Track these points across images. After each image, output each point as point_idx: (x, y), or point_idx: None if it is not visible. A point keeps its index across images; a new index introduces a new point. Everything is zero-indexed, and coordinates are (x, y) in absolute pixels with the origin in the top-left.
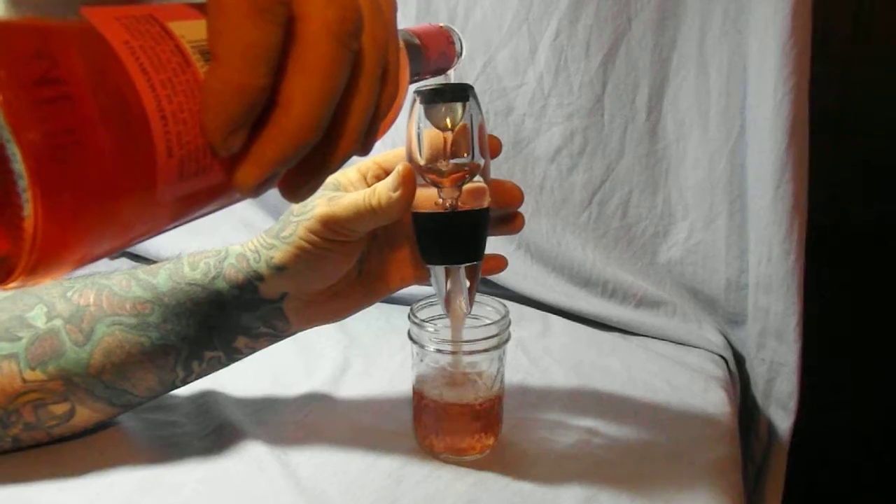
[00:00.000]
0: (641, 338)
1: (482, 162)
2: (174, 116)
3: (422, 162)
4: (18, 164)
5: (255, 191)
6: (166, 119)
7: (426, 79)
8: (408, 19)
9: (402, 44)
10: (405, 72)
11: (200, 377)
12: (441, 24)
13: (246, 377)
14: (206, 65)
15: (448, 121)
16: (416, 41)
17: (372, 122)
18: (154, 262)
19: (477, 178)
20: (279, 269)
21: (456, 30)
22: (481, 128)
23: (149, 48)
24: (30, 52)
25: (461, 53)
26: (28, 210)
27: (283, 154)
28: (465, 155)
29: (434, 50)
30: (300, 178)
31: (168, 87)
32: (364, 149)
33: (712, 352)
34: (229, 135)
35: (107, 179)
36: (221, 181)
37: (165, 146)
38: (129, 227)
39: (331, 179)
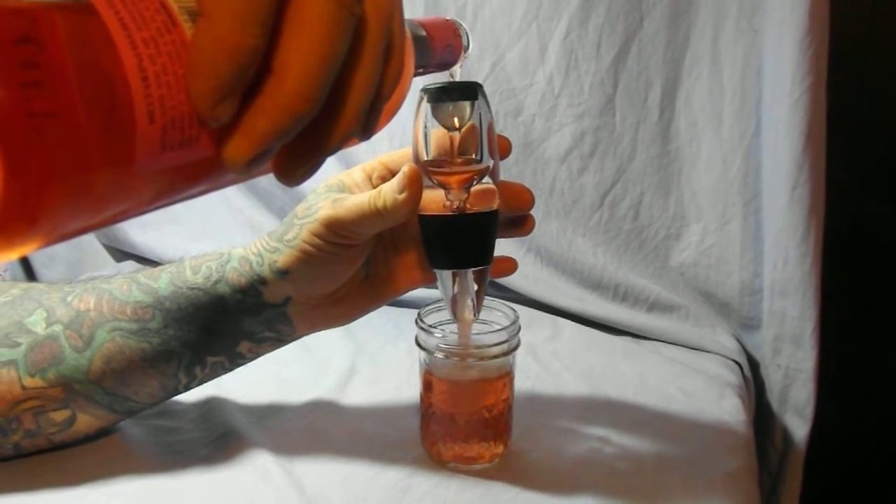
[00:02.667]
0: (654, 342)
1: (491, 163)
2: (157, 79)
3: (428, 162)
4: None
5: (246, 168)
6: (148, 80)
7: (431, 72)
8: (415, 16)
9: (407, 32)
10: (410, 57)
11: (203, 382)
12: (447, 17)
13: (251, 383)
14: (194, 27)
15: (456, 120)
16: (422, 32)
17: (374, 102)
18: (158, 264)
19: (486, 179)
20: (283, 273)
21: (463, 24)
22: (490, 127)
23: (130, 3)
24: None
25: (468, 48)
26: None
27: (277, 126)
28: (474, 155)
29: (440, 42)
30: (295, 157)
31: (151, 45)
32: (365, 131)
33: (726, 357)
34: (219, 102)
35: (80, 145)
36: (209, 156)
37: (147, 110)
38: (105, 202)
39: (335, 180)
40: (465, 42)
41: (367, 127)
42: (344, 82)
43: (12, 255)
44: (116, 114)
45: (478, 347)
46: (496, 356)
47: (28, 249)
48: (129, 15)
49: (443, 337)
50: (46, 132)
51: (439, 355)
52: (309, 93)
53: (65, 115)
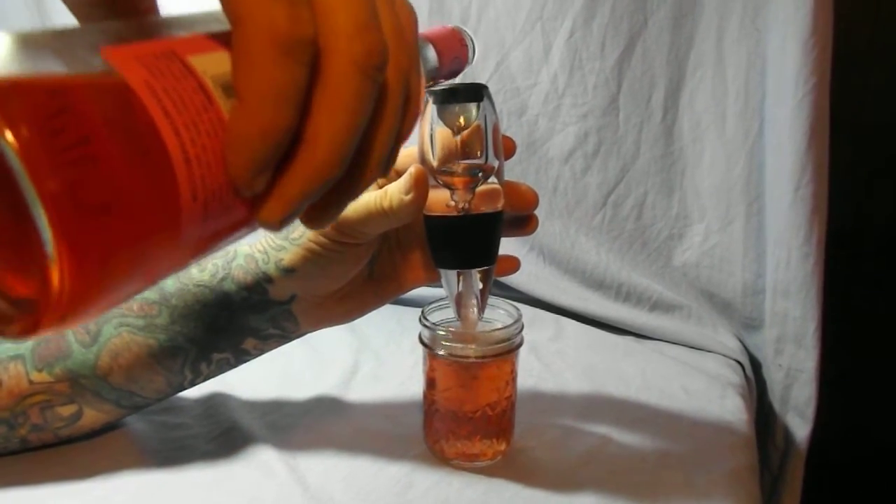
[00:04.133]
0: (656, 342)
1: (496, 163)
2: (198, 159)
3: (434, 163)
4: (41, 218)
5: (279, 227)
6: (190, 162)
7: (440, 83)
8: (420, 17)
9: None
10: (423, 88)
11: (209, 378)
12: (453, 26)
13: (255, 379)
14: (228, 101)
15: (461, 121)
16: (431, 48)
17: (393, 148)
18: None
19: (491, 179)
20: (288, 272)
21: (468, 31)
22: (495, 128)
23: (171, 88)
24: (50, 107)
25: (474, 56)
26: (53, 262)
27: (308, 191)
28: (479, 156)
29: (448, 56)
30: (322, 209)
31: (192, 129)
32: (385, 171)
33: (728, 357)
34: (255, 176)
35: (132, 228)
36: (245, 218)
37: (190, 190)
38: (154, 269)
39: None
40: (470, 52)
41: (386, 168)
42: (368, 139)
43: (68, 328)
44: (162, 196)
45: (481, 345)
46: (499, 354)
47: (88, 320)
48: (170, 101)
49: (446, 335)
50: (102, 219)
51: (442, 353)
52: (338, 159)
53: (119, 204)
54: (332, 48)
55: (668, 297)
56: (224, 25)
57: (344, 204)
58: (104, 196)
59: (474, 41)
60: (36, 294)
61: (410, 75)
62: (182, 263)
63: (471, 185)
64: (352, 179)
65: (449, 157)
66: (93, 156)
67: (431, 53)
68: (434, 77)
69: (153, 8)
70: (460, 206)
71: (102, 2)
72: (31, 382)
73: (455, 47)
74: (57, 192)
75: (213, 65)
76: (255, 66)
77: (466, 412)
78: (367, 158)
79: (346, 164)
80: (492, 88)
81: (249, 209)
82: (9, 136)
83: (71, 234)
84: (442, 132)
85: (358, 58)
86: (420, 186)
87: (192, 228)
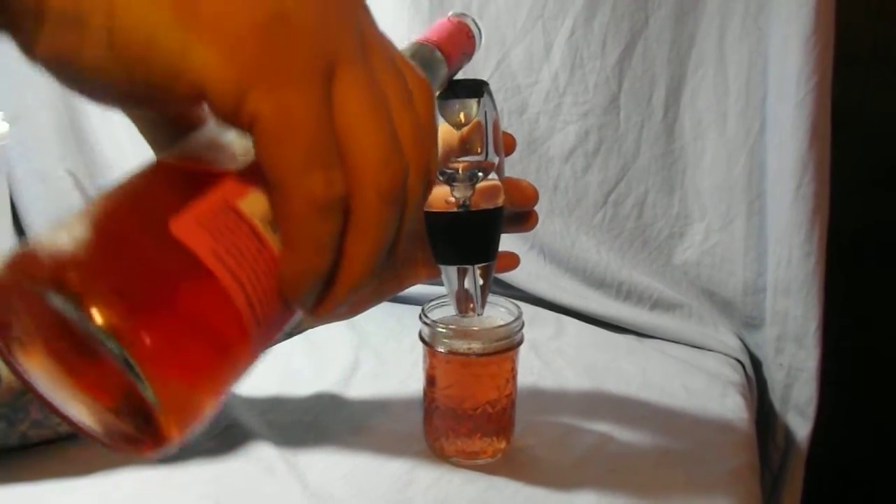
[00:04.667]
0: (656, 341)
1: (496, 160)
2: (259, 301)
3: None
4: (139, 376)
5: (322, 323)
6: (253, 306)
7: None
8: (421, 13)
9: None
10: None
11: None
12: (458, 17)
13: (255, 376)
14: (275, 234)
15: (462, 117)
16: (439, 55)
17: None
18: None
19: (491, 175)
20: None
21: (470, 16)
22: (496, 125)
23: (231, 245)
24: (129, 278)
25: (481, 41)
26: (157, 409)
27: (347, 296)
28: (479, 152)
29: (456, 56)
30: (355, 301)
31: (252, 277)
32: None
33: (729, 355)
34: (306, 300)
35: (211, 368)
36: (294, 317)
37: (255, 325)
38: (230, 384)
39: None
40: (477, 41)
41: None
42: (393, 242)
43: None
44: (234, 336)
45: (481, 342)
46: (499, 351)
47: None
48: (232, 259)
49: (446, 332)
50: (188, 368)
51: (442, 350)
52: (371, 271)
53: (200, 353)
54: (359, 182)
55: (669, 296)
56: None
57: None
58: (194, 361)
59: (479, 25)
60: (150, 433)
61: (430, 169)
62: (256, 361)
63: (471, 181)
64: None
65: (449, 153)
66: (176, 318)
67: (440, 63)
68: (444, 83)
69: (205, 118)
70: (461, 201)
71: (164, 122)
72: None
73: (461, 43)
74: (162, 378)
75: (258, 205)
76: (296, 225)
77: (466, 410)
78: (392, 257)
79: (380, 269)
80: (492, 86)
81: (299, 311)
82: (132, 351)
83: (165, 385)
84: (442, 128)
85: (385, 192)
86: None
87: (257, 349)
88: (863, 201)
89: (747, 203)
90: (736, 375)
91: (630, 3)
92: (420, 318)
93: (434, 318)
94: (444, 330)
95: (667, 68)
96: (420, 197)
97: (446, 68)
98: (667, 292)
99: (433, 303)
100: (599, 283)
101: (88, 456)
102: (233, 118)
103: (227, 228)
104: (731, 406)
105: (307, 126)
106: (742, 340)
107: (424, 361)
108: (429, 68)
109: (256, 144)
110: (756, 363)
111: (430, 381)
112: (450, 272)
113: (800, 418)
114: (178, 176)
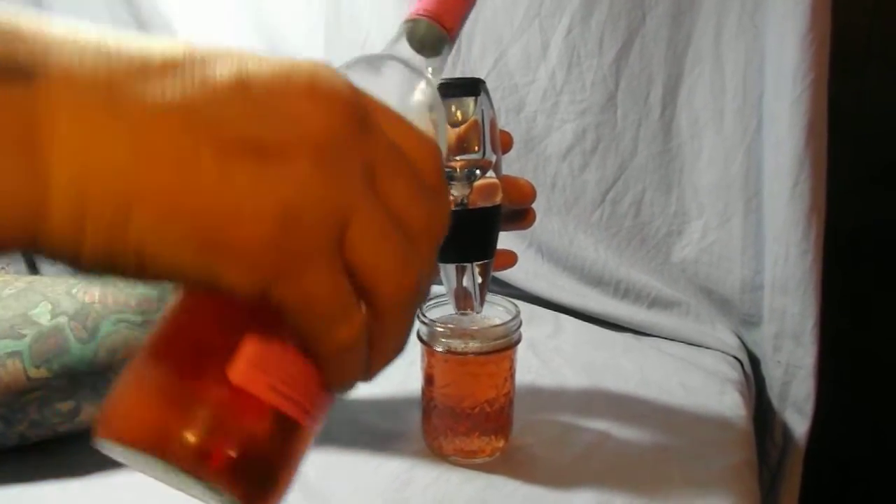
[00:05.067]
0: (654, 338)
1: (493, 158)
2: (312, 405)
3: None
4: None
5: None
6: (308, 411)
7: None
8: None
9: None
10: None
11: None
12: None
13: None
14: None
15: (459, 115)
16: (438, 30)
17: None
18: None
19: (489, 174)
20: None
21: None
22: (493, 123)
23: (285, 375)
24: (231, 443)
25: None
26: None
27: (372, 380)
28: (476, 150)
29: (457, 24)
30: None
31: (304, 393)
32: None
33: (727, 353)
34: (348, 392)
35: (287, 477)
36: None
37: (310, 424)
38: (301, 461)
39: None
40: None
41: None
42: None
43: None
44: (299, 448)
45: (479, 341)
46: (497, 350)
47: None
48: (287, 386)
49: (444, 331)
50: (262, 481)
51: (440, 349)
52: (396, 355)
53: (276, 467)
54: (380, 304)
55: (667, 294)
56: None
57: None
58: (278, 480)
59: None
60: None
61: (442, 231)
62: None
63: (468, 179)
64: None
65: (447, 151)
66: (255, 451)
67: (442, 41)
68: (447, 56)
69: None
70: (458, 200)
71: None
72: (29, 378)
73: (459, 5)
74: (233, 479)
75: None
76: (330, 364)
77: (464, 408)
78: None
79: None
80: (490, 85)
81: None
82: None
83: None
84: None
85: (403, 302)
86: None
87: (315, 431)
88: (860, 199)
89: (744, 201)
90: (734, 373)
91: (627, 2)
92: (418, 317)
93: (432, 317)
94: (442, 329)
95: (664, 66)
96: (433, 267)
97: (448, 41)
98: (664, 290)
99: (431, 302)
100: (597, 281)
101: (88, 456)
102: (258, 303)
103: (275, 359)
104: (730, 403)
105: (327, 298)
106: (740, 338)
107: (422, 360)
108: (430, 48)
109: (284, 317)
110: (754, 360)
111: (429, 380)
112: (448, 270)
113: (798, 415)
114: (212, 310)
